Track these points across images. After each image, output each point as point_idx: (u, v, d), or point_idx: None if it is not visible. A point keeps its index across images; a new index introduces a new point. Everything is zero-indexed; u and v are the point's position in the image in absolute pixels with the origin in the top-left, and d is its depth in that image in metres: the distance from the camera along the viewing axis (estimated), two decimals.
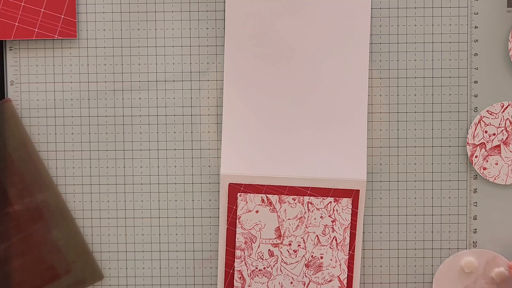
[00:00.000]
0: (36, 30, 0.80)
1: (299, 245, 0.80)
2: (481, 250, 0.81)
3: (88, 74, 0.82)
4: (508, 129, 0.81)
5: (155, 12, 0.81)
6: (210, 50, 0.81)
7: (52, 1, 0.80)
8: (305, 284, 0.80)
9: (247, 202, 0.80)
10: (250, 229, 0.80)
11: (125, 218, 0.82)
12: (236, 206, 0.80)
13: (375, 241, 0.82)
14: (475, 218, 0.82)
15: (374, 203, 0.82)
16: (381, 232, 0.82)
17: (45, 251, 0.81)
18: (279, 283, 0.81)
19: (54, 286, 0.81)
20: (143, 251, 0.83)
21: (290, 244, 0.80)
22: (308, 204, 0.80)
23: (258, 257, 0.80)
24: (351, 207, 0.80)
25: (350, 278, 0.81)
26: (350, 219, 0.80)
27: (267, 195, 0.80)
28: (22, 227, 0.81)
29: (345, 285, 0.81)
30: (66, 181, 0.82)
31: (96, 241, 0.83)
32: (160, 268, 0.83)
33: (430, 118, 0.81)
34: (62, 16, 0.80)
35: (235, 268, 0.81)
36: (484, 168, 0.81)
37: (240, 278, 0.80)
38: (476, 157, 0.81)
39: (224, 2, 0.80)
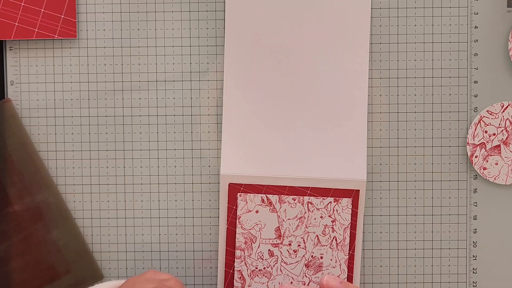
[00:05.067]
0: (36, 30, 0.80)
1: (299, 245, 0.80)
2: None
3: (88, 74, 0.82)
4: (508, 129, 0.81)
5: (155, 12, 0.81)
6: (210, 50, 0.81)
7: (52, 1, 0.80)
8: (305, 284, 0.80)
9: (247, 202, 0.80)
10: (250, 229, 0.80)
11: (125, 218, 0.82)
12: (236, 206, 0.80)
13: (375, 241, 0.82)
14: (475, 218, 0.82)
15: (374, 203, 0.82)
16: (381, 232, 0.82)
17: (45, 251, 0.81)
18: (279, 283, 0.81)
19: (54, 286, 0.81)
20: (143, 251, 0.83)
21: (290, 244, 0.80)
22: (308, 204, 0.80)
23: (258, 257, 0.80)
24: (351, 207, 0.80)
25: (350, 278, 0.81)
26: (350, 219, 0.80)
27: (267, 195, 0.80)
28: (22, 227, 0.81)
29: None
30: (66, 181, 0.82)
31: (96, 241, 0.83)
32: (160, 268, 0.83)
33: (430, 118, 0.81)
34: (62, 16, 0.80)
35: (235, 268, 0.81)
36: (484, 168, 0.81)
37: (240, 278, 0.80)
38: (476, 157, 0.81)
39: (224, 2, 0.80)
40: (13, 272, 0.81)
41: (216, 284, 0.82)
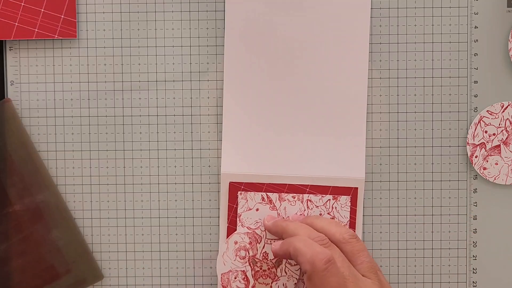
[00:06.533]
0: (36, 30, 0.80)
1: None
2: None
3: (88, 74, 0.82)
4: (508, 129, 0.81)
5: (155, 12, 0.81)
6: (210, 50, 0.81)
7: (52, 1, 0.80)
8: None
9: (247, 201, 0.80)
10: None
11: (125, 218, 0.82)
12: (237, 205, 0.80)
13: (375, 241, 0.82)
14: (475, 218, 0.82)
15: (374, 203, 0.82)
16: (381, 232, 0.82)
17: (45, 251, 0.81)
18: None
19: (54, 286, 0.81)
20: (143, 251, 0.83)
21: None
22: (307, 202, 0.80)
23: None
24: (349, 204, 0.80)
25: None
26: (349, 217, 0.80)
27: (267, 193, 0.80)
28: (22, 227, 0.81)
29: None
30: (66, 181, 0.82)
31: (96, 241, 0.83)
32: (160, 268, 0.83)
33: (430, 118, 0.81)
34: (62, 16, 0.80)
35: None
36: (484, 168, 0.81)
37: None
38: (476, 157, 0.81)
39: (224, 2, 0.80)
40: (13, 272, 0.81)
41: (216, 284, 0.82)
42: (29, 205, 0.81)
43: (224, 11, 0.80)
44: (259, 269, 0.80)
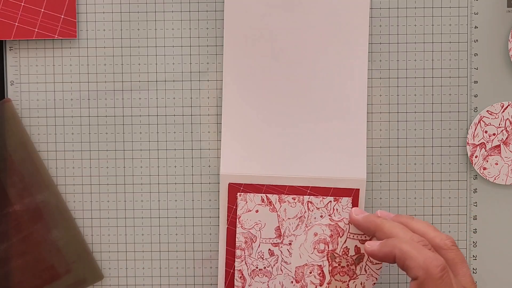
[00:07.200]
0: (36, 30, 0.80)
1: None
2: None
3: (88, 74, 0.82)
4: (508, 129, 0.81)
5: (155, 12, 0.81)
6: (210, 50, 0.81)
7: (52, 1, 0.80)
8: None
9: (247, 202, 0.80)
10: (250, 229, 0.80)
11: (125, 218, 0.82)
12: (236, 206, 0.80)
13: None
14: (475, 218, 0.82)
15: (374, 203, 0.82)
16: None
17: (45, 251, 0.81)
18: (280, 283, 0.81)
19: (54, 286, 0.81)
20: (143, 251, 0.83)
21: (290, 244, 0.80)
22: (308, 204, 0.80)
23: (259, 256, 0.80)
24: (351, 206, 0.80)
25: None
26: None
27: (267, 194, 0.80)
28: (22, 227, 0.81)
29: None
30: (66, 181, 0.82)
31: (96, 241, 0.83)
32: (160, 268, 0.83)
33: (430, 118, 0.81)
34: (62, 16, 0.80)
35: (235, 268, 0.81)
36: (484, 168, 0.81)
37: (240, 277, 0.80)
38: (476, 157, 0.81)
39: (224, 1, 0.80)
40: (13, 272, 0.81)
41: (217, 284, 0.82)
42: (29, 205, 0.81)
43: (224, 11, 0.80)
44: (337, 265, 0.76)
